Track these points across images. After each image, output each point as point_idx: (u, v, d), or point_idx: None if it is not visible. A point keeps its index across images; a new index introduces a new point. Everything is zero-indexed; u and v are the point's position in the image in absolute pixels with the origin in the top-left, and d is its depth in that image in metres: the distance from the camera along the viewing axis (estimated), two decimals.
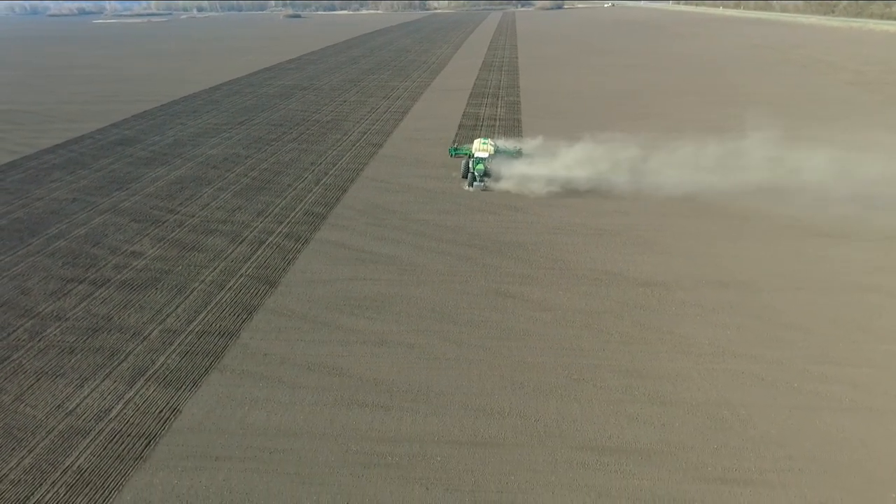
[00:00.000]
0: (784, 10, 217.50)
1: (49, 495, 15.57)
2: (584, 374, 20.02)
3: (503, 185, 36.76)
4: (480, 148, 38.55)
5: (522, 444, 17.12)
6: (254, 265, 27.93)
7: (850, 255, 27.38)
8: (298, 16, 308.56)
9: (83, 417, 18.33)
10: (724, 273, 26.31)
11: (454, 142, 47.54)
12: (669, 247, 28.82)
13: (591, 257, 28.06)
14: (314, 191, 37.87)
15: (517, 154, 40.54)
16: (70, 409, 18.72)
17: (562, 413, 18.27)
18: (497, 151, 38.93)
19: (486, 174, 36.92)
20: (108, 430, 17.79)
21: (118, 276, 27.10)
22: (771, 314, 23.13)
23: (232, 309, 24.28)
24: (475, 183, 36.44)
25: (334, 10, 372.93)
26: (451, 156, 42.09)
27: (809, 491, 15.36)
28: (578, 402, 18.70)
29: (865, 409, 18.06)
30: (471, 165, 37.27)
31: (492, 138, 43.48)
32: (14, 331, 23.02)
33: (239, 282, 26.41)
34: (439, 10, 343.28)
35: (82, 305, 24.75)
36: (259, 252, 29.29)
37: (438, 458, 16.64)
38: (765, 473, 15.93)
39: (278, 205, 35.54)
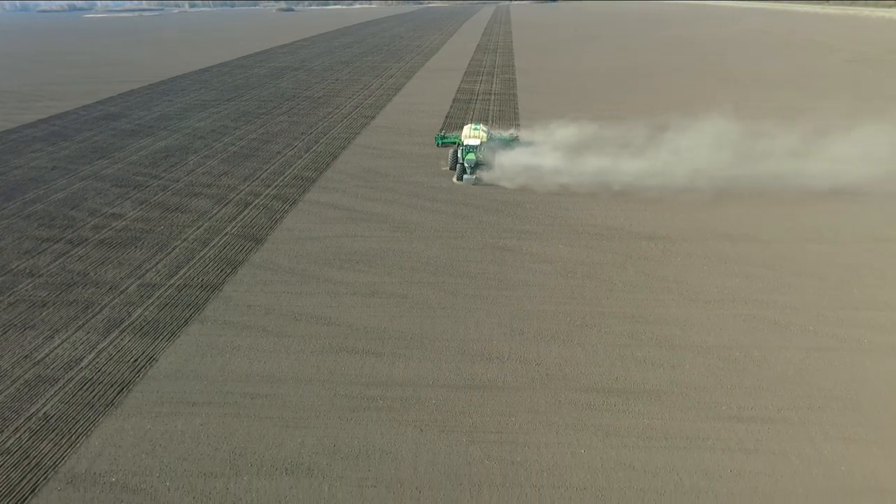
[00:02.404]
0: None
1: (11, 441, 14.33)
2: (588, 320, 18.90)
3: (498, 180, 31.06)
4: (471, 135, 33.19)
5: (523, 386, 15.98)
6: (239, 224, 26.68)
7: (862, 211, 26.36)
8: (291, 9, 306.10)
9: (52, 367, 17.07)
10: (730, 227, 25.24)
11: (442, 128, 42.42)
12: (673, 203, 27.70)
13: (592, 214, 26.94)
14: (304, 157, 36.58)
15: (513, 141, 36.06)
16: (38, 359, 17.46)
17: (565, 357, 17.14)
18: (491, 139, 34.82)
19: (478, 164, 31.67)
20: (77, 378, 16.55)
21: (96, 236, 25.79)
22: (782, 263, 22.09)
23: (215, 264, 23.03)
24: (465, 176, 31.06)
25: (328, 5, 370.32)
26: (438, 145, 37.39)
27: (832, 427, 14.29)
28: (582, 347, 17.57)
29: (888, 349, 17.02)
30: (460, 155, 31.89)
31: (484, 123, 39.29)
32: None
33: (223, 239, 25.16)
34: (433, 4, 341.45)
35: (57, 262, 23.44)
36: (245, 212, 28.03)
37: (433, 401, 15.48)
38: (783, 411, 14.86)
39: (266, 170, 34.26)
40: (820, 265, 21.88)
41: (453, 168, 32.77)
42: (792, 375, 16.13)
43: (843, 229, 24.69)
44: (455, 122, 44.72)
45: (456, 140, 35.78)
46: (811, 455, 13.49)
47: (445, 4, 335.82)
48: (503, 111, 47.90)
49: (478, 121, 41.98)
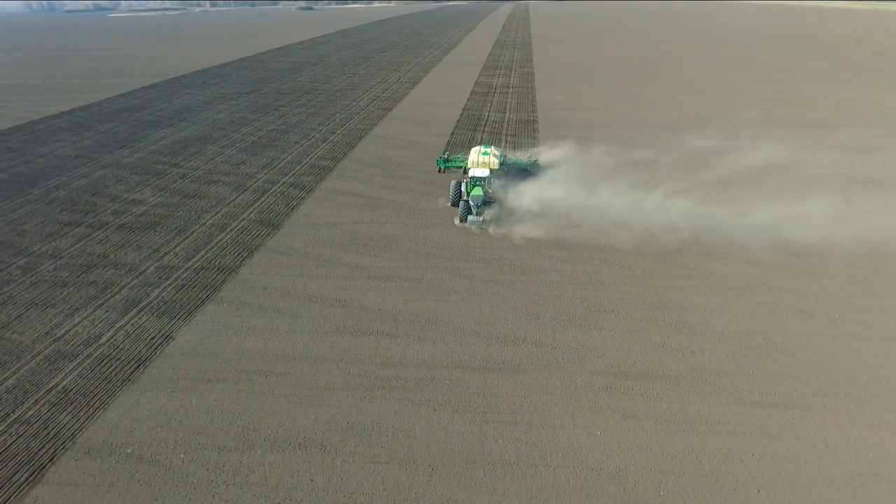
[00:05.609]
0: None
1: (31, 412, 14.53)
2: (605, 305, 18.57)
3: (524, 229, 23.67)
4: (480, 161, 26.12)
5: (538, 369, 15.75)
6: (256, 210, 26.82)
7: (890, 200, 25.51)
8: (311, 8, 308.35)
9: (71, 343, 17.28)
10: (755, 216, 24.53)
11: (446, 150, 35.47)
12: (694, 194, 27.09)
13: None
14: (321, 147, 36.68)
15: (532, 166, 28.92)
16: (58, 335, 17.69)
17: (581, 341, 16.85)
18: (504, 164, 27.52)
19: (486, 203, 24.89)
20: (96, 354, 16.73)
21: (116, 221, 26.13)
22: (808, 252, 21.44)
23: (232, 248, 23.16)
24: (470, 217, 24.13)
25: (346, 3, 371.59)
26: (440, 170, 30.25)
27: (859, 414, 13.83)
28: (599, 332, 17.27)
29: None
30: (464, 189, 25.59)
31: (496, 146, 32.40)
32: (6, 267, 22.09)
33: (240, 225, 25.31)
34: (452, 3, 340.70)
35: (78, 245, 23.78)
36: (262, 199, 28.17)
37: (447, 382, 15.34)
38: (808, 398, 14.41)
39: (284, 159, 34.41)
40: (847, 254, 21.21)
41: (455, 204, 26.42)
42: (817, 362, 15.65)
43: (872, 220, 23.89)
44: (472, 114, 44.50)
45: (461, 164, 29.62)
46: (837, 441, 13.06)
47: (464, 3, 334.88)
48: (521, 104, 47.52)
49: (488, 143, 34.95)
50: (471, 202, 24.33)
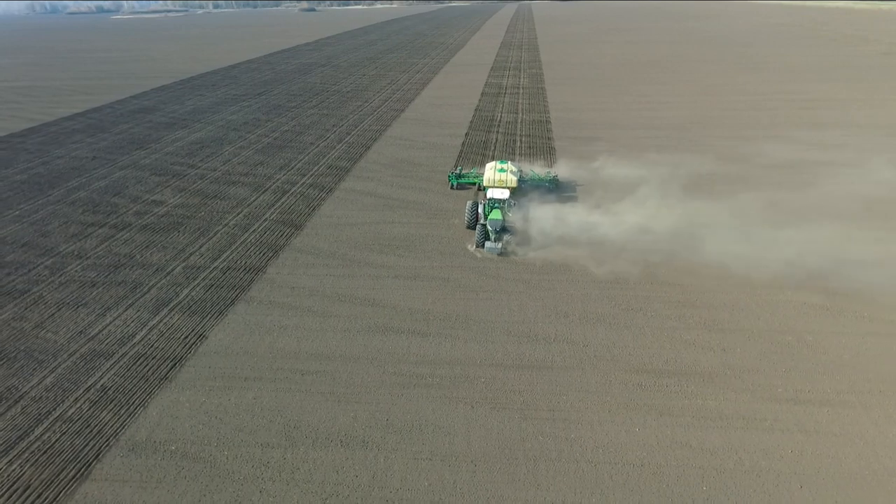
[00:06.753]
0: None
1: (72, 410, 14.69)
2: (633, 304, 18.70)
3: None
4: (497, 179, 24.56)
5: (572, 367, 15.87)
6: (278, 211, 26.98)
7: None
8: (314, 9, 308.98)
9: (106, 342, 17.45)
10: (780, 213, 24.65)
11: (458, 163, 32.91)
12: (720, 193, 27.24)
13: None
14: (337, 148, 36.84)
15: (552, 181, 27.55)
16: (92, 334, 17.85)
17: (612, 339, 16.98)
18: (522, 181, 26.20)
19: (504, 228, 22.49)
20: (131, 353, 16.89)
21: (139, 221, 26.31)
22: (836, 251, 21.49)
23: (257, 248, 23.31)
24: (488, 244, 21.74)
25: (349, 4, 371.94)
26: (452, 186, 28.34)
27: (895, 411, 13.93)
28: (629, 330, 17.39)
29: None
30: (482, 213, 23.26)
31: (512, 161, 30.48)
32: (35, 267, 22.28)
33: (263, 225, 25.47)
34: (455, 3, 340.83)
35: (104, 246, 23.96)
36: (283, 199, 28.34)
37: (482, 380, 15.47)
38: (842, 395, 14.52)
39: (301, 160, 34.57)
40: (877, 251, 21.27)
41: (472, 227, 23.98)
42: (849, 360, 15.76)
43: None
44: (485, 115, 44.64)
45: (476, 181, 28.20)
46: (876, 438, 13.17)
47: (467, 3, 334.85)
48: (532, 104, 47.63)
49: (504, 158, 32.92)
50: (489, 227, 22.24)
